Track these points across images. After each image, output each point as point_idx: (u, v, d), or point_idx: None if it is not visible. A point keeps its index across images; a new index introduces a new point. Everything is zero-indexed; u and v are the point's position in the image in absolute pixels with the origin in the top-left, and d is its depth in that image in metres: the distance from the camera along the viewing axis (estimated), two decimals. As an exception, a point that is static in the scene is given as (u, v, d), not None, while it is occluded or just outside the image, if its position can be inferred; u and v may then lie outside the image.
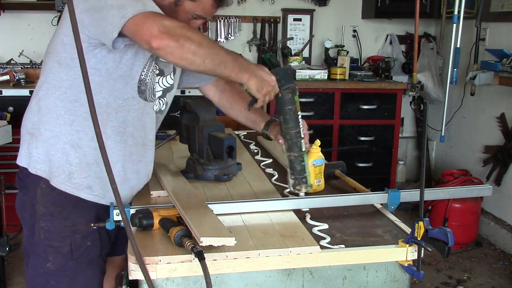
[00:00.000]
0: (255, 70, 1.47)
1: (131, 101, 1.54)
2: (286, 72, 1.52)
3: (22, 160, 1.64)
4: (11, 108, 3.37)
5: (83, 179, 1.53)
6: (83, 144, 1.51)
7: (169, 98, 1.73)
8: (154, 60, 1.57)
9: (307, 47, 4.32)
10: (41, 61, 3.88)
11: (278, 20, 4.34)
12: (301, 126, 1.58)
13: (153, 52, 1.42)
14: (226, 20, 4.25)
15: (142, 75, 1.54)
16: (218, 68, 1.40)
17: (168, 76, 1.68)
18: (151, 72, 1.57)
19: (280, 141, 1.66)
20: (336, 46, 4.30)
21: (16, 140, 2.96)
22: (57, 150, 1.52)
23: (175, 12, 1.59)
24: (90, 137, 1.50)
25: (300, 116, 1.56)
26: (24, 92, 3.41)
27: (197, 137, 1.89)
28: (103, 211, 1.56)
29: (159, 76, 1.63)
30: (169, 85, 1.69)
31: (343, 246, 1.36)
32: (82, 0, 1.41)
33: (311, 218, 1.53)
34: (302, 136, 1.60)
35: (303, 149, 1.59)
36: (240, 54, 1.56)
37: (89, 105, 1.07)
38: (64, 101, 1.51)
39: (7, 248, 2.52)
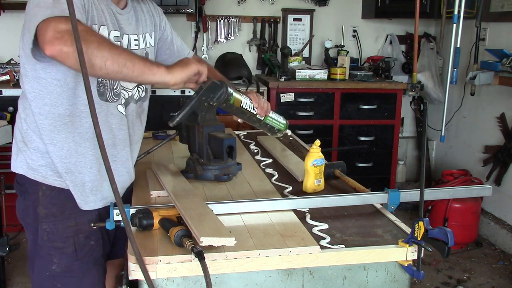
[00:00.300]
0: (174, 67, 1.47)
1: None
2: (209, 89, 1.64)
3: (18, 168, 1.64)
4: (11, 108, 3.37)
5: (70, 186, 1.55)
6: (52, 155, 1.52)
7: None
8: None
9: (307, 47, 4.32)
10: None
11: (278, 20, 4.34)
12: (249, 109, 1.76)
13: (54, 60, 1.31)
14: (226, 20, 4.25)
15: (99, 78, 1.50)
16: (124, 69, 1.32)
17: None
18: None
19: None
20: (336, 46, 4.31)
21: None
22: (44, 160, 1.56)
23: None
24: (59, 148, 1.51)
25: (245, 103, 1.76)
26: (24, 92, 3.41)
27: (197, 137, 1.89)
28: (104, 211, 1.57)
29: None
30: None
31: (343, 246, 1.36)
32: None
33: (311, 218, 1.53)
34: (255, 112, 1.78)
35: (261, 118, 1.84)
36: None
37: (89, 105, 1.08)
38: (32, 114, 1.52)
39: (7, 248, 2.52)
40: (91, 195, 1.57)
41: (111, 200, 1.45)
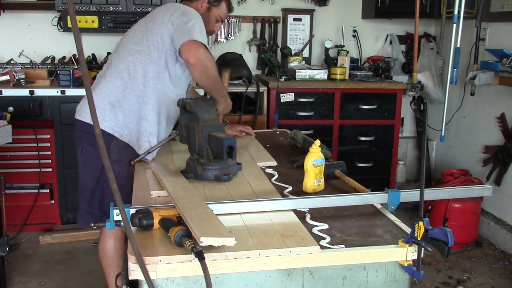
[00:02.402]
0: (226, 100, 2.35)
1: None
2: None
3: (102, 123, 2.11)
4: (11, 108, 3.37)
5: (145, 142, 2.15)
6: (149, 119, 2.16)
7: None
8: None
9: (307, 47, 4.32)
10: (41, 61, 3.90)
11: (278, 20, 4.34)
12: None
13: (187, 66, 2.18)
14: (226, 20, 4.25)
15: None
16: (212, 90, 2.27)
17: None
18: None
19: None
20: (336, 46, 4.30)
21: (16, 140, 2.97)
22: (132, 120, 2.15)
23: (207, 17, 2.39)
24: (156, 115, 2.17)
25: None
26: (24, 92, 3.41)
27: (197, 137, 1.89)
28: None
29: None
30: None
31: (343, 246, 1.36)
32: (175, 21, 2.17)
33: (311, 218, 1.53)
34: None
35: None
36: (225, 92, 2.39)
37: (89, 104, 1.08)
38: (148, 88, 2.16)
39: (7, 248, 2.52)
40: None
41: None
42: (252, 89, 3.74)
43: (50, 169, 3.56)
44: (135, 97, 2.16)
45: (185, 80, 2.31)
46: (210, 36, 4.24)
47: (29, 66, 3.82)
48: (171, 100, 2.20)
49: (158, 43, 2.17)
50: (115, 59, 2.26)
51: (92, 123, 1.89)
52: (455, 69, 3.41)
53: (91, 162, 2.20)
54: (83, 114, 2.23)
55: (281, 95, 3.79)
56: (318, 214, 1.58)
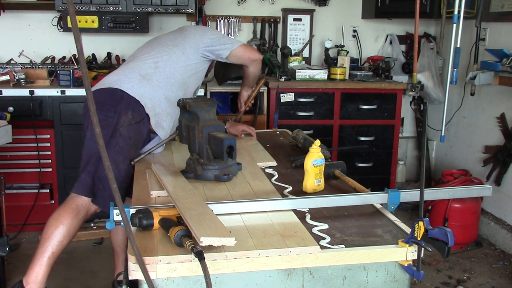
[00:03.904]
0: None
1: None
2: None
3: (131, 90, 2.24)
4: (11, 108, 3.37)
5: (163, 121, 2.29)
6: (170, 100, 2.32)
7: None
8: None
9: (307, 47, 4.32)
10: (41, 61, 3.90)
11: (278, 20, 4.34)
12: None
13: (248, 63, 2.73)
14: (226, 20, 4.25)
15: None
16: (254, 80, 2.90)
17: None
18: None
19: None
20: (336, 46, 4.30)
21: (16, 140, 2.97)
22: (156, 95, 2.29)
23: (210, 67, 2.75)
24: (175, 98, 2.24)
25: None
26: (24, 92, 3.41)
27: (197, 137, 1.89)
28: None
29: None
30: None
31: (343, 246, 1.36)
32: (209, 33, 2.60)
33: (311, 218, 1.53)
34: None
35: None
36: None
37: (89, 105, 1.08)
38: (177, 73, 2.40)
39: (7, 248, 2.52)
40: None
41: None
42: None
43: (50, 169, 3.56)
44: (164, 76, 2.35)
45: (197, 82, 2.59)
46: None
47: (29, 66, 3.82)
48: (189, 92, 2.51)
49: (194, 43, 2.50)
50: (145, 49, 2.51)
51: (111, 87, 2.25)
52: (455, 69, 3.41)
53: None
54: (103, 83, 2.32)
55: (281, 95, 3.79)
56: (318, 214, 1.58)
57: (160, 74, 2.36)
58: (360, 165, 4.03)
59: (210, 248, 1.26)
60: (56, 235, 2.09)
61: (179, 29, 2.68)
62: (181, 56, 2.45)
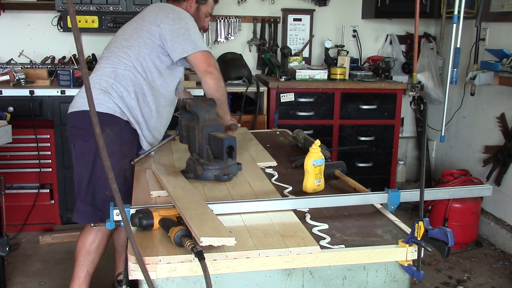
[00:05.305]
0: (227, 114, 2.51)
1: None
2: None
3: (98, 107, 2.13)
4: (11, 108, 3.37)
5: (143, 117, 2.26)
6: (144, 98, 2.23)
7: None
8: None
9: (307, 47, 4.32)
10: (41, 61, 3.90)
11: (278, 20, 4.34)
12: None
13: (202, 75, 2.32)
14: (226, 20, 4.25)
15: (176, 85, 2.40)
16: (222, 102, 2.36)
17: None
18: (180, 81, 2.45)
19: None
20: (336, 46, 4.30)
21: (16, 140, 2.97)
22: (128, 102, 2.19)
23: (198, 15, 2.47)
24: (147, 105, 2.24)
25: None
26: (24, 92, 3.41)
27: (197, 137, 1.89)
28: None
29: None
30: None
31: (343, 246, 1.36)
32: (169, 23, 2.25)
33: (311, 218, 1.53)
34: None
35: None
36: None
37: (89, 105, 1.08)
38: (137, 80, 2.23)
39: (7, 248, 2.52)
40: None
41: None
42: (252, 89, 3.74)
43: (50, 169, 3.56)
44: (126, 85, 2.21)
45: (171, 79, 2.36)
46: (210, 36, 4.25)
47: (29, 66, 3.82)
48: (161, 96, 2.31)
49: (149, 39, 2.26)
50: (106, 54, 2.34)
51: (81, 110, 2.17)
52: (455, 69, 3.41)
53: (82, 157, 2.21)
54: (74, 105, 2.26)
55: (281, 95, 3.79)
56: (318, 214, 1.58)
57: (121, 82, 2.22)
58: (360, 165, 4.03)
59: (210, 248, 1.26)
60: (88, 257, 2.27)
61: (138, 15, 2.45)
62: (135, 61, 2.25)
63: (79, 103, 2.24)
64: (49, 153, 3.54)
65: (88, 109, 2.11)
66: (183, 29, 2.26)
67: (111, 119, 2.16)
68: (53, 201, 3.60)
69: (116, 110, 2.18)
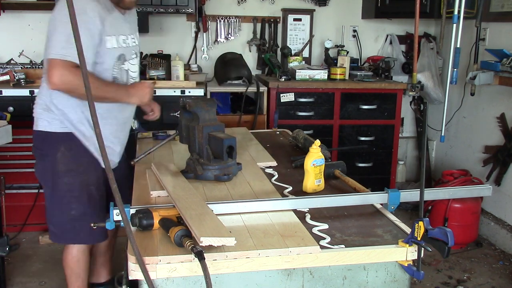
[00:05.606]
0: (130, 90, 2.11)
1: None
2: None
3: (48, 126, 2.10)
4: (11, 108, 3.36)
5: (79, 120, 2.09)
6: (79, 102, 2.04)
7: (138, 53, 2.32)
8: (119, 63, 2.12)
9: (307, 47, 4.32)
10: (41, 61, 3.90)
11: (278, 20, 4.34)
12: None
13: (46, 82, 1.95)
14: (226, 20, 4.25)
15: (114, 75, 2.12)
16: (100, 100, 1.96)
17: (132, 54, 2.23)
18: (118, 70, 2.13)
19: None
20: (336, 46, 4.30)
21: (16, 140, 2.97)
22: (70, 116, 2.07)
23: None
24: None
25: None
26: (24, 92, 3.41)
27: (197, 137, 1.89)
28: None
29: (127, 64, 2.18)
30: (136, 55, 2.28)
31: (343, 246, 1.36)
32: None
33: (311, 218, 1.53)
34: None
35: None
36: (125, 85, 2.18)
37: (89, 105, 1.08)
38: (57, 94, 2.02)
39: (7, 248, 2.52)
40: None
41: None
42: (252, 89, 3.74)
43: (50, 169, 3.56)
44: (60, 98, 2.04)
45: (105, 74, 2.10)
46: (210, 36, 4.25)
47: (29, 66, 3.82)
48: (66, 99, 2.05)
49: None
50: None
51: (36, 129, 2.10)
52: (455, 69, 3.41)
53: (44, 177, 2.21)
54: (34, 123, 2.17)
55: (281, 95, 3.79)
56: (318, 214, 1.58)
57: (58, 98, 2.05)
58: (360, 165, 4.03)
59: (210, 248, 1.26)
60: (72, 272, 2.36)
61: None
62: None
63: (35, 121, 2.16)
64: (49, 153, 3.54)
65: (39, 129, 2.10)
66: (50, 24, 1.97)
67: (62, 135, 2.10)
68: (53, 201, 3.60)
69: (65, 125, 2.09)
